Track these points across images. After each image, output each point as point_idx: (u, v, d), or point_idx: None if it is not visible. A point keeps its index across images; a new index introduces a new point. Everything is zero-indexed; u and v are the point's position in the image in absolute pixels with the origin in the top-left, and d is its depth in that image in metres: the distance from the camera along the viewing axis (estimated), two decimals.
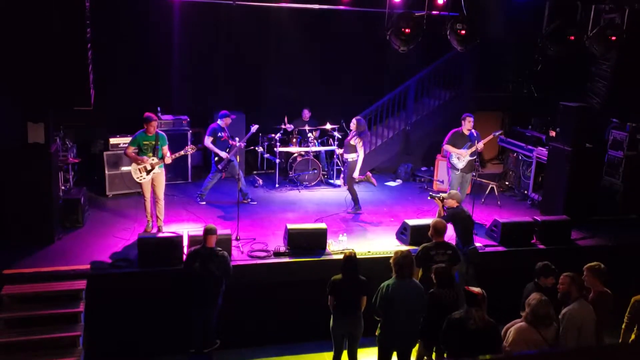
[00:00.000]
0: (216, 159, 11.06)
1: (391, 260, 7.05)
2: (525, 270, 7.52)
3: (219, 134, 11.03)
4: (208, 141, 11.03)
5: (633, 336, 6.87)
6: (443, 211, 9.01)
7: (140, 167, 9.32)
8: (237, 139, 11.36)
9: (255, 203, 11.37)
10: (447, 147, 10.90)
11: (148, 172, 9.35)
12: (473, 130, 10.79)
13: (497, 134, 11.44)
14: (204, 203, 11.17)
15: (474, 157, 10.78)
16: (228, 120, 11.23)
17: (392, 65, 14.24)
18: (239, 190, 10.55)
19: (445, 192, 9.87)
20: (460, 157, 10.72)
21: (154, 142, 9.36)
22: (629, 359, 2.14)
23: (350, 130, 11.09)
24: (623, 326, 6.93)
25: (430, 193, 9.66)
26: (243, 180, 11.33)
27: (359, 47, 13.74)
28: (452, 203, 8.86)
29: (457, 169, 10.80)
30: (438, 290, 7.03)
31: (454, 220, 8.77)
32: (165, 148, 9.49)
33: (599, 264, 6.99)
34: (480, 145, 10.76)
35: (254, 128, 11.37)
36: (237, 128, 11.94)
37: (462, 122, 10.81)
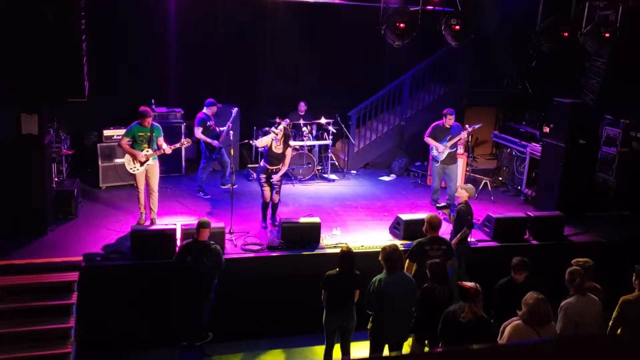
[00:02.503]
0: (210, 148, 11.06)
1: (380, 257, 7.06)
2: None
3: (208, 123, 11.03)
4: (198, 132, 11.00)
5: None
6: (452, 216, 9.00)
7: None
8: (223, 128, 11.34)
9: (236, 186, 10.98)
10: (427, 140, 11.04)
11: (142, 163, 9.33)
12: (456, 122, 10.95)
13: (476, 126, 11.45)
14: (209, 197, 11.15)
15: (454, 149, 10.99)
16: (214, 109, 11.22)
17: (389, 59, 14.26)
18: (225, 177, 10.68)
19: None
20: (440, 150, 10.85)
21: (149, 134, 9.35)
22: (610, 349, 2.16)
23: (278, 135, 9.67)
24: (610, 323, 6.95)
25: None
26: (229, 168, 11.30)
27: (356, 41, 13.72)
28: (465, 196, 8.82)
29: (437, 161, 10.97)
30: (431, 285, 7.07)
31: (463, 217, 8.75)
32: (161, 139, 9.49)
33: (586, 260, 7.03)
34: (462, 137, 10.92)
35: (234, 111, 11.48)
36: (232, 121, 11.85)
37: (444, 117, 10.96)
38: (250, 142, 12.80)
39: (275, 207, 9.97)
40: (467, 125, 11.36)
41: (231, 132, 11.36)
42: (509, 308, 6.46)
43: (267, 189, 9.73)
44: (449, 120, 10.92)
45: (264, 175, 9.71)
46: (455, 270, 8.51)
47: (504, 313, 6.56)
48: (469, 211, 8.74)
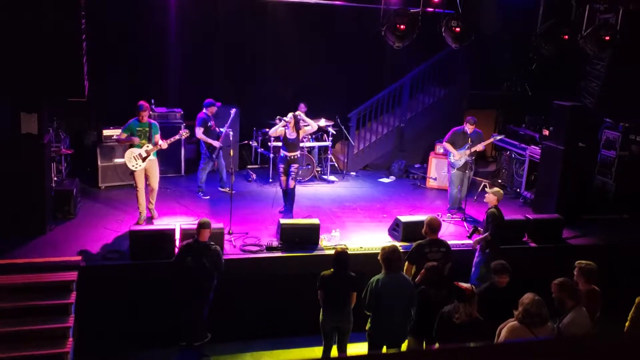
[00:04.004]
0: (210, 148, 11.06)
1: (379, 257, 7.06)
2: (516, 269, 7.53)
3: (209, 124, 11.05)
4: (200, 132, 11.01)
5: None
6: (480, 232, 8.92)
7: (135, 154, 9.34)
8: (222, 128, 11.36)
9: (230, 190, 11.26)
10: (445, 145, 10.95)
11: (143, 159, 9.38)
12: (477, 129, 10.82)
13: (498, 137, 11.48)
14: (208, 197, 11.16)
15: (473, 157, 10.82)
16: (214, 109, 11.23)
17: (389, 61, 14.26)
18: (223, 179, 10.68)
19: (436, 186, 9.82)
20: (458, 157, 10.74)
21: (147, 129, 9.44)
22: (610, 349, 2.16)
23: (291, 124, 10.21)
24: (627, 323, 6.94)
25: (468, 235, 9.35)
26: (225, 171, 11.31)
27: (356, 43, 13.73)
28: (493, 200, 8.76)
29: (454, 167, 10.83)
30: (427, 288, 7.06)
31: (489, 222, 8.69)
32: (157, 137, 9.56)
33: (589, 262, 7.03)
34: (479, 147, 10.80)
35: (233, 111, 11.40)
36: (232, 122, 11.85)
37: (465, 123, 10.85)
38: (250, 142, 12.85)
39: (292, 195, 10.38)
40: (494, 135, 11.30)
41: (231, 132, 11.34)
42: (492, 313, 6.43)
43: (284, 178, 10.32)
44: (470, 127, 10.76)
45: (283, 165, 10.31)
46: (483, 276, 8.47)
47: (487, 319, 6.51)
48: (497, 217, 8.67)
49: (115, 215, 10.01)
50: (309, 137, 12.86)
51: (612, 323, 7.14)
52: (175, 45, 12.92)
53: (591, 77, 11.71)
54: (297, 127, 10.19)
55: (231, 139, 11.39)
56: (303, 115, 10.45)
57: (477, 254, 8.79)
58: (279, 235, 9.10)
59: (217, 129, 11.19)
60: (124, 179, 11.18)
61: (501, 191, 8.99)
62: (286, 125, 10.21)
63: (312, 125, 10.51)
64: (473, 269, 8.77)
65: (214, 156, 11.11)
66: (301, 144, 12.48)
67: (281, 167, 10.36)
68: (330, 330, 7.47)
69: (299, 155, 10.45)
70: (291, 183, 10.25)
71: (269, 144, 12.53)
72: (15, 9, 8.09)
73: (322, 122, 12.90)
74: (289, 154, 10.26)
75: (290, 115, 10.26)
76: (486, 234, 8.65)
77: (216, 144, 11.05)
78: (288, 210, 10.37)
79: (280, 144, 12.61)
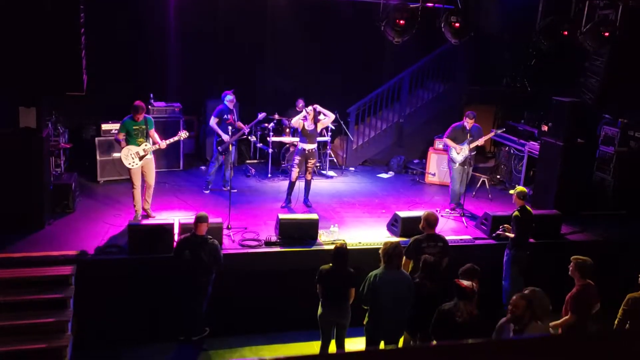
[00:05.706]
0: (218, 140, 11.02)
1: (380, 251, 7.07)
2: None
3: (225, 116, 10.98)
4: (213, 122, 10.98)
5: None
6: (510, 231, 8.90)
7: (132, 152, 9.29)
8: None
9: (236, 191, 11.27)
10: (446, 141, 10.93)
11: (141, 157, 9.33)
12: (476, 124, 10.82)
13: (498, 131, 11.50)
14: (208, 192, 11.14)
15: (474, 152, 10.82)
16: (231, 97, 11.12)
17: (388, 56, 14.25)
18: (224, 178, 10.64)
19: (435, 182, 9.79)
20: (459, 152, 10.74)
21: (143, 127, 9.39)
22: (611, 346, 2.17)
23: (307, 116, 10.43)
24: (616, 321, 6.98)
25: (499, 234, 9.34)
26: (229, 170, 11.31)
27: (355, 38, 13.71)
28: (516, 200, 8.76)
29: (455, 163, 10.81)
30: (422, 281, 7.08)
31: (520, 224, 8.72)
32: (152, 131, 9.52)
33: (585, 258, 7.06)
34: (480, 142, 10.81)
35: (261, 116, 11.24)
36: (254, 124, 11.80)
37: (465, 118, 10.84)
38: (249, 137, 12.83)
39: (308, 186, 10.74)
40: (493, 129, 11.31)
41: (247, 131, 11.28)
42: None
43: (295, 170, 10.46)
44: (470, 122, 10.73)
45: (299, 157, 10.44)
46: (515, 278, 8.51)
47: None
48: (519, 221, 8.67)
49: (114, 210, 10.01)
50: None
51: (610, 319, 7.15)
52: (175, 40, 12.90)
53: (590, 73, 11.66)
54: (315, 119, 10.40)
55: (246, 133, 11.33)
56: (321, 108, 10.51)
57: (506, 253, 8.85)
58: (278, 230, 9.11)
59: (236, 123, 11.04)
60: (123, 174, 11.16)
61: (519, 188, 8.97)
62: (305, 118, 10.38)
63: (329, 116, 10.75)
64: (504, 267, 8.84)
65: (219, 149, 11.00)
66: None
67: (296, 159, 10.47)
68: (328, 325, 7.48)
69: (316, 149, 10.63)
70: (308, 176, 10.59)
71: (268, 139, 12.53)
72: (13, 3, 8.07)
73: (321, 117, 12.88)
74: (306, 147, 10.44)
75: (310, 107, 10.43)
76: (512, 235, 8.73)
77: (225, 137, 10.92)
78: (305, 200, 10.78)
79: (279, 139, 12.71)
